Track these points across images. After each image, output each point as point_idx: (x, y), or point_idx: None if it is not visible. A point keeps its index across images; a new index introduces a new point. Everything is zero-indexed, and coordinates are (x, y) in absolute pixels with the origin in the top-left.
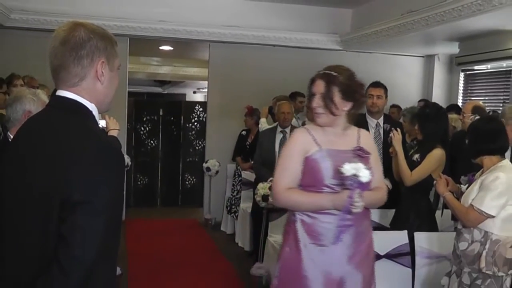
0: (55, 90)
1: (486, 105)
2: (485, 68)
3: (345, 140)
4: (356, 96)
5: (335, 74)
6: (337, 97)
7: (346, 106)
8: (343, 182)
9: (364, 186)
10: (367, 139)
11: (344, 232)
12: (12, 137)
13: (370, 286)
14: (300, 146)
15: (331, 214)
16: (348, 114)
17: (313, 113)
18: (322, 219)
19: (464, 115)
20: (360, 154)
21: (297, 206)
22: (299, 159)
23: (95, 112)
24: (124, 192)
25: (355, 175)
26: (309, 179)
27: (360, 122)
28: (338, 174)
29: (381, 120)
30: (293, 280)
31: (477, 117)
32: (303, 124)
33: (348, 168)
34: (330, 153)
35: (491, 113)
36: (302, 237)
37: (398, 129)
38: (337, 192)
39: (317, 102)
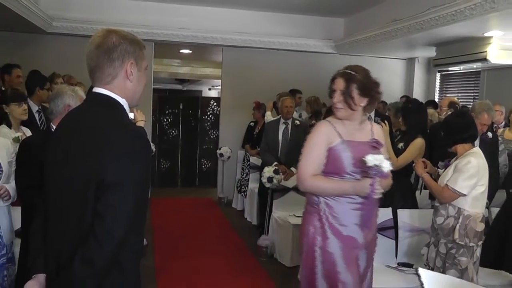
0: (91, 87)
1: (459, 101)
2: (458, 69)
3: (362, 133)
4: (372, 93)
5: (353, 72)
6: (355, 93)
7: (363, 102)
8: (364, 170)
9: (385, 175)
10: (379, 132)
11: (362, 214)
12: (54, 127)
13: (372, 259)
14: (324, 137)
15: (352, 198)
16: (364, 109)
17: (333, 107)
18: (344, 202)
19: (442, 108)
20: (375, 146)
21: (321, 191)
22: (323, 149)
23: (126, 106)
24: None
25: (377, 166)
26: (332, 167)
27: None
28: (361, 163)
29: (372, 114)
30: (318, 256)
31: (452, 110)
32: (300, 116)
33: (371, 159)
34: (350, 144)
35: (460, 108)
36: (325, 217)
37: (386, 122)
38: (357, 179)
39: (337, 97)
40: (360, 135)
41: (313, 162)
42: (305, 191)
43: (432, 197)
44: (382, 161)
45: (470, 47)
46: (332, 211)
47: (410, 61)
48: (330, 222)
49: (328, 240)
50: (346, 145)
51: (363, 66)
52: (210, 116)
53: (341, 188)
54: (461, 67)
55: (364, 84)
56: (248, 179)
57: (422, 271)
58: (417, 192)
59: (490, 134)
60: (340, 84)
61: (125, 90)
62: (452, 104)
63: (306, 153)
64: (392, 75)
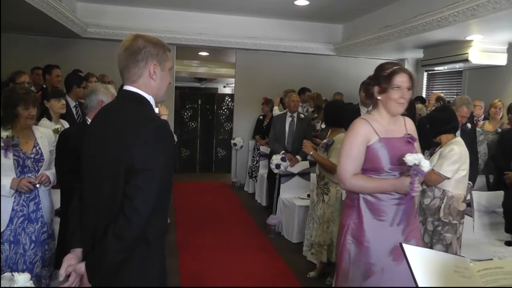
0: (122, 85)
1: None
2: (443, 69)
3: (398, 127)
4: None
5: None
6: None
7: None
8: (402, 168)
9: (424, 174)
10: (411, 125)
11: (401, 208)
12: (89, 120)
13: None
14: (363, 136)
15: (390, 194)
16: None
17: (396, 103)
18: (382, 198)
19: (430, 102)
20: (409, 141)
21: (363, 190)
22: (362, 148)
23: (152, 101)
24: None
25: (417, 165)
26: (370, 165)
27: (355, 110)
28: (399, 161)
29: (370, 109)
30: (356, 249)
31: (439, 103)
32: (307, 110)
33: (411, 159)
34: (387, 142)
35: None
36: (365, 212)
37: None
38: (396, 177)
39: (403, 93)
40: (395, 130)
41: (353, 162)
42: (346, 190)
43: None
44: (421, 160)
45: (454, 49)
46: (372, 206)
47: (401, 62)
48: (369, 217)
49: (366, 234)
50: (383, 143)
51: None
52: (225, 110)
53: (382, 187)
54: (446, 67)
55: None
56: (258, 165)
57: (406, 246)
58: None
59: (469, 125)
60: (406, 80)
61: (150, 87)
62: (439, 99)
63: (345, 153)
64: None
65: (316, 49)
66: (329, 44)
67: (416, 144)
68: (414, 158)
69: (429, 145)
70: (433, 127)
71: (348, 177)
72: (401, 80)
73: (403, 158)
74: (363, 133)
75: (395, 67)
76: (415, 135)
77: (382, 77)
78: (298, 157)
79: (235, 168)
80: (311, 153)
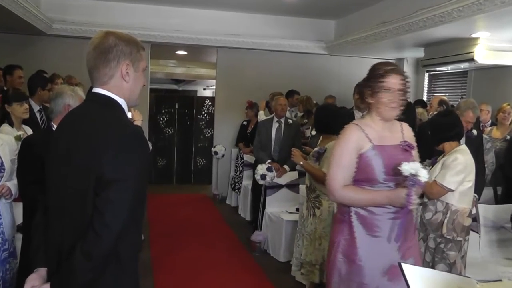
0: (91, 88)
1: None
2: (446, 69)
3: (393, 134)
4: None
5: (403, 70)
6: (407, 92)
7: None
8: (397, 179)
9: (422, 185)
10: (409, 132)
11: (398, 223)
12: (55, 126)
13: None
14: (354, 144)
15: (385, 208)
16: None
17: (387, 107)
18: (376, 212)
19: (432, 106)
20: (406, 149)
21: (354, 203)
22: (353, 156)
23: (124, 105)
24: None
25: (413, 175)
26: (362, 175)
27: (349, 115)
28: (394, 171)
29: (365, 113)
30: (347, 268)
31: (442, 108)
32: (295, 116)
33: (407, 168)
34: (381, 150)
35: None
36: (357, 228)
37: None
38: (391, 188)
39: (395, 97)
40: (391, 138)
41: (343, 171)
42: (336, 202)
43: (420, 194)
44: (418, 170)
45: (458, 47)
46: (364, 220)
47: (399, 62)
48: (361, 232)
49: (359, 252)
50: (377, 151)
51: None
52: (205, 115)
53: (375, 199)
54: (449, 67)
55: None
56: (242, 176)
57: (406, 266)
58: None
59: (475, 132)
60: (397, 81)
61: (122, 90)
62: (442, 102)
63: (335, 161)
64: None
65: (306, 47)
66: (320, 42)
67: (414, 153)
68: (410, 167)
69: (430, 154)
70: (435, 133)
71: (338, 188)
72: (392, 82)
73: (399, 168)
74: (355, 140)
75: (387, 68)
76: (413, 142)
77: (373, 79)
78: (285, 166)
79: (216, 179)
80: (301, 162)
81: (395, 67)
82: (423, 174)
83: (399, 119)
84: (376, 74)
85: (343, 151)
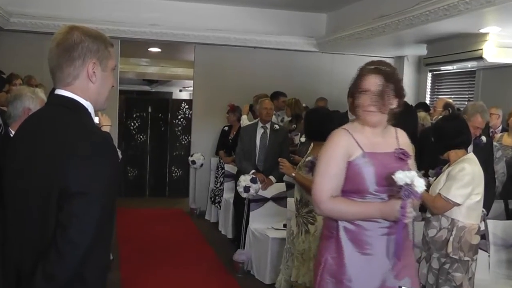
0: (53, 89)
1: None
2: (451, 69)
3: (386, 141)
4: (403, 92)
5: (387, 69)
6: (389, 94)
7: (394, 104)
8: (391, 189)
9: (418, 196)
10: (405, 139)
11: (391, 240)
12: (13, 132)
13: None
14: (343, 150)
15: (377, 222)
16: (390, 112)
17: (364, 111)
18: (367, 227)
19: (436, 110)
20: (401, 157)
21: (342, 216)
22: (342, 164)
23: (90, 109)
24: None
25: (409, 185)
26: (351, 186)
27: (343, 119)
28: (387, 181)
29: (355, 118)
30: None
31: (446, 112)
32: (282, 120)
33: (401, 177)
34: (373, 157)
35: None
36: (346, 245)
37: None
38: (383, 200)
39: (370, 99)
40: (383, 145)
41: (331, 181)
42: (323, 215)
43: (422, 208)
44: (414, 179)
45: (465, 44)
46: (354, 236)
47: (399, 60)
48: (351, 250)
49: (347, 272)
50: (368, 158)
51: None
52: (181, 120)
53: (366, 212)
54: (455, 66)
55: (398, 82)
56: (223, 188)
57: None
58: None
59: (484, 138)
60: (373, 82)
61: (88, 92)
62: (447, 106)
63: (322, 170)
64: None
65: (294, 44)
66: (310, 38)
67: (410, 162)
68: (405, 175)
69: (434, 163)
70: (439, 140)
71: (325, 200)
72: (368, 82)
73: (392, 176)
74: (344, 146)
75: (367, 67)
76: (409, 150)
77: (353, 79)
78: (272, 177)
79: (193, 192)
80: (292, 174)
81: (375, 67)
82: (420, 184)
83: (398, 124)
84: (356, 74)
85: (330, 158)
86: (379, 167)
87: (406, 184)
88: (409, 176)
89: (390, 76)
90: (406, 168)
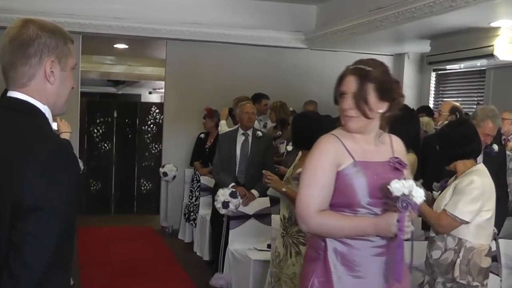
0: (5, 91)
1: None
2: (458, 68)
3: (380, 149)
4: (393, 95)
5: (368, 68)
6: (372, 96)
7: (382, 108)
8: (386, 203)
9: (417, 207)
10: (400, 146)
11: (387, 261)
12: None
13: None
14: (332, 158)
15: (368, 240)
16: (382, 118)
17: (343, 116)
18: (357, 246)
19: (441, 114)
20: (397, 167)
21: (332, 232)
22: (331, 174)
23: (48, 114)
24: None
25: (406, 195)
26: (341, 199)
27: (335, 125)
28: (381, 192)
29: None
30: None
31: (452, 117)
32: (265, 126)
33: (398, 186)
34: (365, 167)
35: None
36: (335, 268)
37: None
38: (376, 214)
39: (348, 103)
40: (376, 153)
41: (319, 192)
42: (311, 232)
43: (425, 226)
44: (412, 188)
45: (473, 40)
46: (344, 257)
47: (399, 58)
48: (341, 273)
49: None
50: (359, 167)
51: (378, 59)
52: (151, 126)
53: (359, 227)
54: (462, 65)
55: (383, 83)
56: (198, 204)
57: None
58: None
59: (495, 147)
60: (351, 84)
61: (46, 94)
62: (453, 110)
63: (308, 180)
64: None
65: (280, 39)
66: (298, 32)
67: (406, 172)
68: (402, 185)
69: (439, 175)
70: (445, 149)
71: (312, 214)
72: (346, 83)
73: (388, 187)
74: (332, 154)
75: (349, 67)
76: (405, 159)
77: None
78: (254, 191)
79: (165, 208)
80: (283, 189)
81: (354, 67)
82: (419, 194)
83: (397, 130)
84: (339, 75)
85: (317, 167)
86: (372, 178)
87: (404, 195)
88: (406, 186)
89: (370, 76)
90: (402, 179)
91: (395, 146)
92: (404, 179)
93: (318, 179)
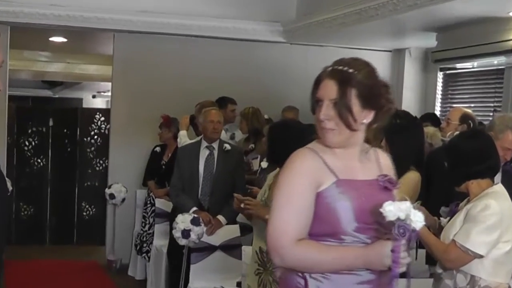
0: None
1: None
2: (471, 67)
3: (366, 166)
4: (381, 101)
5: (350, 70)
6: (355, 104)
7: (367, 117)
8: (378, 231)
9: (415, 235)
10: (388, 162)
11: None
12: None
13: None
14: (311, 176)
15: (354, 274)
16: (369, 129)
17: (321, 128)
18: (340, 281)
19: (450, 123)
20: (387, 186)
21: (313, 267)
22: (310, 196)
23: None
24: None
25: (403, 219)
26: (323, 227)
27: None
28: (371, 217)
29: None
30: None
31: (464, 127)
32: (232, 137)
33: (393, 210)
34: (349, 187)
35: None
36: None
37: None
38: (364, 243)
39: (326, 112)
40: (362, 171)
41: (296, 218)
42: (287, 266)
43: (430, 260)
44: (409, 212)
45: (489, 32)
46: None
47: (398, 54)
48: None
49: None
50: (343, 188)
51: (362, 59)
52: (95, 137)
53: (345, 259)
54: (475, 63)
55: (369, 88)
56: (153, 233)
57: None
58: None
59: None
60: (329, 89)
61: None
62: (465, 118)
63: (281, 203)
64: None
65: (253, 32)
66: (275, 23)
67: (399, 192)
68: (397, 208)
69: (448, 199)
70: (455, 167)
71: (287, 244)
72: (323, 89)
73: (380, 210)
74: (311, 171)
75: (327, 69)
76: (394, 177)
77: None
78: (221, 218)
79: (112, 238)
80: (266, 217)
81: (332, 68)
82: (417, 218)
83: (393, 143)
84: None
85: (293, 188)
86: (359, 199)
87: (399, 219)
88: (402, 209)
89: (353, 79)
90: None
91: (383, 162)
92: (396, 199)
93: (294, 202)
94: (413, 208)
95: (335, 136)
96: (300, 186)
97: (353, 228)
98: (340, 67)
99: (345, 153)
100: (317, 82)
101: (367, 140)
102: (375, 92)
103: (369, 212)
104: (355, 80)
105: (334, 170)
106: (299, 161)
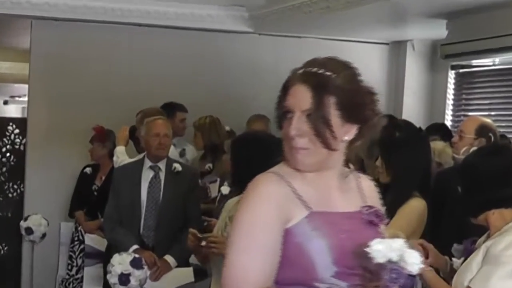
0: None
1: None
2: (491, 64)
3: (346, 196)
4: (366, 113)
5: (327, 73)
6: (334, 115)
7: (349, 133)
8: (362, 276)
9: (409, 281)
10: (372, 189)
11: None
12: None
13: None
14: (276, 208)
15: None
16: (350, 148)
17: (289, 147)
18: None
19: (462, 136)
20: (373, 220)
21: None
22: (276, 233)
23: None
24: None
25: (395, 262)
26: (292, 272)
27: None
28: (353, 259)
29: None
30: None
31: (482, 141)
32: (182, 153)
33: (382, 250)
34: (325, 221)
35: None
36: None
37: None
38: None
39: (297, 126)
40: (341, 200)
41: (259, 262)
42: None
43: None
44: (404, 252)
45: (510, 21)
46: None
47: (397, 48)
48: None
49: None
50: (317, 222)
51: (340, 58)
52: (7, 154)
53: None
54: (496, 60)
55: (351, 95)
56: (81, 277)
57: None
58: None
59: None
60: (302, 97)
61: None
62: (483, 130)
63: (241, 244)
64: (363, 74)
65: (211, 19)
66: (239, 8)
67: (387, 229)
68: (388, 247)
69: (461, 233)
70: (471, 192)
71: None
72: (293, 97)
73: (366, 250)
74: (277, 201)
75: (297, 71)
76: (380, 207)
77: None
78: (169, 258)
79: (29, 282)
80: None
81: (303, 71)
82: (413, 260)
83: (392, 161)
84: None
85: (255, 221)
86: (337, 237)
87: (390, 262)
88: (394, 248)
89: (330, 84)
90: (379, 238)
91: (366, 189)
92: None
93: (256, 240)
94: (408, 248)
95: (308, 157)
96: (263, 220)
97: (331, 274)
98: (315, 69)
99: (319, 179)
100: (285, 88)
101: (346, 162)
102: (358, 101)
103: (352, 253)
104: (334, 86)
105: (305, 200)
106: (263, 188)
